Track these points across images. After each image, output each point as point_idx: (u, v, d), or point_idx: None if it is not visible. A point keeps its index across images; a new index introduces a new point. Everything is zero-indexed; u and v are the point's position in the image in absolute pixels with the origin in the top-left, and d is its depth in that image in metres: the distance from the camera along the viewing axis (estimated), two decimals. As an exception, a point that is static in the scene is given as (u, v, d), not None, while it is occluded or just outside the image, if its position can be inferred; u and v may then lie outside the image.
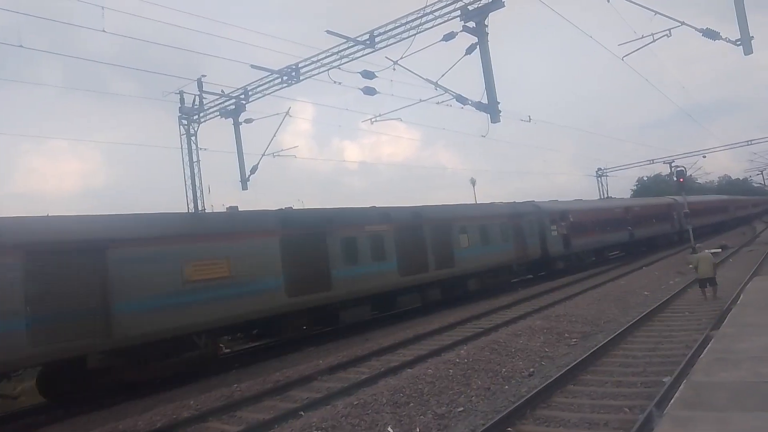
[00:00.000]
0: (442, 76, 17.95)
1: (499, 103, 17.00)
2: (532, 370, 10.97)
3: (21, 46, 15.57)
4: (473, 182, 46.01)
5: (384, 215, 19.35)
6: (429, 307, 21.00)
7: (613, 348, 11.90)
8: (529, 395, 8.69)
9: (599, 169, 53.62)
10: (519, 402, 8.43)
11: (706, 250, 19.14)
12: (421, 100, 20.37)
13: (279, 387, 11.33)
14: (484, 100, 17.07)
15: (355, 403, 8.95)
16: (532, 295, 22.18)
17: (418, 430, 7.90)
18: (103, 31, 15.45)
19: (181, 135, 24.77)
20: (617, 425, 7.45)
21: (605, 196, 51.05)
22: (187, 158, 24.75)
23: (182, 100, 24.20)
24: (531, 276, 29.02)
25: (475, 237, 22.77)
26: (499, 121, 17.10)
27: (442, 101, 19.11)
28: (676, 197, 43.20)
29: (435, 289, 20.77)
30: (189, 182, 24.66)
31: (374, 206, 20.16)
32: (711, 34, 17.83)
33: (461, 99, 18.05)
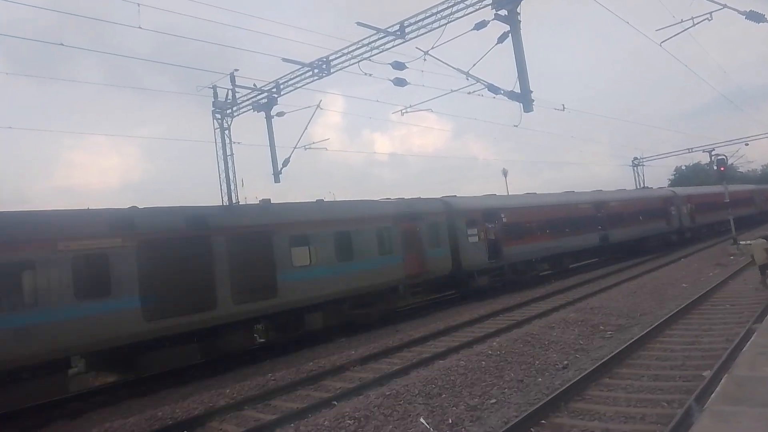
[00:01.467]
0: (474, 65, 17.70)
1: (531, 92, 16.70)
2: (566, 362, 10.83)
3: (62, 44, 16.02)
4: (505, 173, 45.29)
5: (116, 222, 12.06)
6: (458, 300, 20.90)
7: (649, 341, 11.65)
8: (563, 388, 8.59)
9: (635, 158, 52.17)
10: (553, 394, 8.34)
11: (760, 238, 18.44)
12: (452, 91, 20.15)
13: (312, 377, 11.48)
14: (517, 90, 16.78)
15: (388, 393, 9.00)
16: (565, 287, 21.86)
17: (450, 421, 7.90)
18: (140, 27, 15.74)
19: (215, 129, 25.14)
20: (655, 419, 7.30)
21: (641, 186, 49.68)
22: (221, 152, 25.13)
23: (216, 95, 24.53)
24: (435, 297, 22.36)
25: (327, 250, 16.16)
26: (532, 111, 16.80)
27: (474, 91, 18.85)
28: (676, 189, 38.70)
29: (235, 334, 13.97)
30: (223, 175, 25.04)
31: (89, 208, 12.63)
32: (755, 17, 17.14)
33: (493, 89, 17.79)
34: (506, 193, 32.68)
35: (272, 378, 11.66)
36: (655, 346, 11.39)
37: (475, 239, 21.65)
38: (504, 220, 23.12)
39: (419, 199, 21.25)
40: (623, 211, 31.73)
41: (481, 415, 8.16)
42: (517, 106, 17.03)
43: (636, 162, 51.96)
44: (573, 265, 28.48)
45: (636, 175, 51.93)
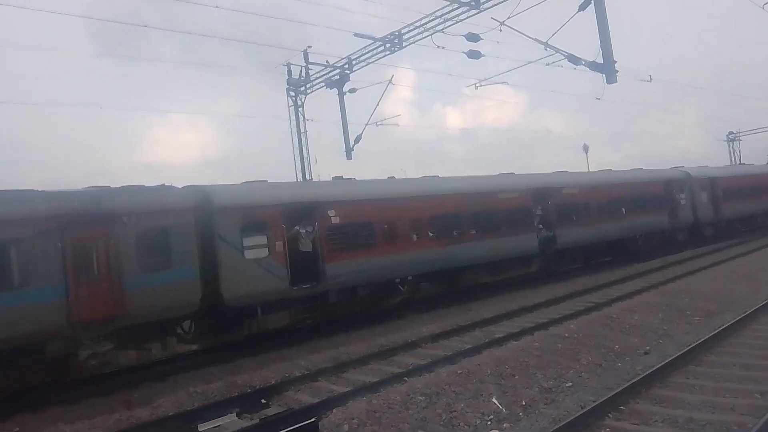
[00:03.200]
0: (553, 35, 16.96)
1: (615, 62, 15.81)
2: (648, 348, 10.32)
3: (146, 26, 16.80)
4: (586, 149, 42.30)
5: None
6: (533, 280, 20.38)
7: (742, 328, 10.88)
8: (645, 374, 8.20)
9: (731, 132, 48.22)
10: (633, 380, 7.98)
11: None
12: (529, 62, 19.49)
13: (384, 351, 11.63)
14: (599, 60, 15.93)
15: (459, 371, 8.95)
16: (647, 269, 20.78)
17: (523, 402, 7.75)
18: (216, 7, 16.19)
19: (289, 106, 25.67)
20: (745, 411, 6.82)
21: (737, 162, 45.91)
22: (294, 129, 25.66)
23: (289, 72, 24.98)
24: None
25: None
26: (616, 82, 15.93)
27: (553, 62, 18.08)
28: (693, 169, 28.27)
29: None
30: (297, 152, 25.60)
31: None
32: None
33: (574, 59, 16.98)
34: (586, 170, 30.76)
35: (345, 351, 11.92)
36: (748, 333, 10.62)
37: (259, 253, 13.26)
38: (333, 220, 14.64)
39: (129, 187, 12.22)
40: (588, 202, 21.82)
41: (556, 398, 7.96)
42: (600, 77, 16.19)
43: (731, 136, 48.16)
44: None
45: (731, 150, 48.17)
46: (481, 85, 21.68)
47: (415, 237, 16.23)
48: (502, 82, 22.08)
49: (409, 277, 16.35)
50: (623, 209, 23.14)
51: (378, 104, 24.70)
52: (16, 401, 10.07)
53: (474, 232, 17.74)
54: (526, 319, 14.02)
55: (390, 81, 24.03)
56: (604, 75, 15.98)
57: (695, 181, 27.49)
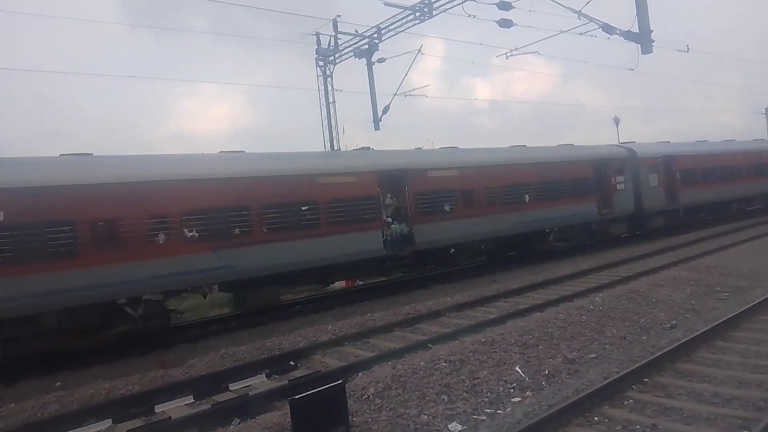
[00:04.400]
0: (587, 3, 16.49)
1: (652, 31, 15.33)
2: (674, 322, 10.27)
3: (177, -5, 16.78)
4: (617, 121, 41.57)
5: None
6: (560, 253, 20.29)
7: (773, 305, 10.70)
8: (671, 347, 8.18)
9: (770, 106, 46.29)
10: (658, 353, 7.99)
11: None
12: (561, 32, 18.97)
13: (409, 320, 11.82)
14: (635, 29, 15.47)
15: (483, 340, 9.07)
16: (676, 244, 20.46)
17: (546, 372, 7.85)
18: (247, -24, 16.11)
19: (318, 76, 25.60)
20: (773, 387, 6.79)
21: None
22: (323, 99, 25.64)
23: (318, 42, 24.84)
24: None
25: None
26: (651, 52, 15.47)
27: (586, 32, 17.63)
28: (639, 146, 24.15)
29: None
30: (325, 123, 25.63)
31: None
32: None
33: (608, 28, 16.51)
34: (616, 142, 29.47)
35: (371, 318, 12.14)
36: (779, 311, 10.45)
37: None
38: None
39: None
40: (471, 188, 17.40)
41: (579, 368, 8.02)
42: (635, 47, 15.75)
43: (771, 110, 46.34)
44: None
45: (770, 124, 46.44)
46: (512, 55, 21.29)
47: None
48: (533, 52, 21.59)
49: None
50: (526, 197, 18.76)
51: (406, 74, 24.47)
52: (59, 359, 10.61)
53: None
54: (550, 291, 14.03)
55: (419, 51, 23.76)
56: (639, 45, 15.54)
57: (642, 161, 22.95)
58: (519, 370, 7.87)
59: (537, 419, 5.89)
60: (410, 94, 25.45)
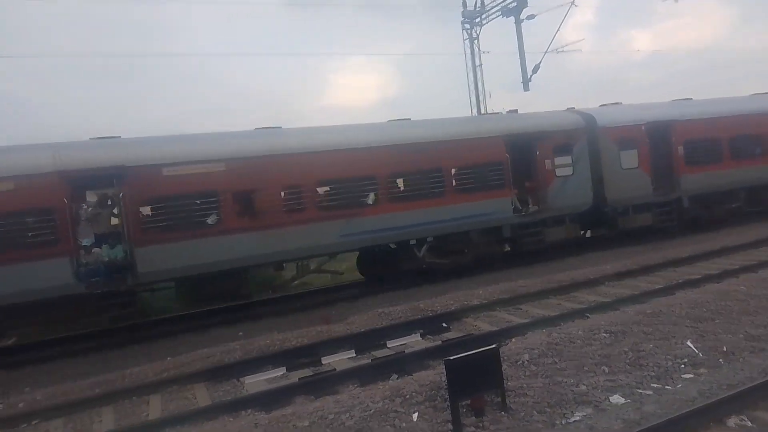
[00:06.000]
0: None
1: None
2: None
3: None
4: None
5: None
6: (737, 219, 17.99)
7: None
8: None
9: None
10: None
11: None
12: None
13: (563, 287, 11.41)
14: None
15: (648, 311, 8.47)
16: None
17: (725, 349, 7.12)
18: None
19: (463, 40, 25.12)
20: None
21: None
22: (469, 63, 25.15)
23: (464, 4, 24.31)
24: None
25: None
26: None
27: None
28: (600, 111, 17.25)
29: None
30: (472, 87, 25.17)
31: None
32: None
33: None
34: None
35: (522, 285, 11.93)
36: None
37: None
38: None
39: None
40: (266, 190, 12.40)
41: (766, 347, 7.16)
42: None
43: None
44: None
45: None
46: (680, -3, 18.80)
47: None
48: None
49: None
50: (371, 195, 13.46)
51: (558, 29, 23.02)
52: (241, 311, 12.02)
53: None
54: (729, 260, 12.61)
55: (572, 2, 22.16)
56: None
57: (605, 133, 16.49)
58: (691, 345, 7.24)
59: (717, 398, 5.40)
60: (562, 51, 23.97)
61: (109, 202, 11.57)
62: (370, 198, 13.35)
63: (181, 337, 11.18)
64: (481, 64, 24.92)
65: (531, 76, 24.35)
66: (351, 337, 9.34)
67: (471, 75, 25.10)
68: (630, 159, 16.64)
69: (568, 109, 17.63)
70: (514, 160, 15.24)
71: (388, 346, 8.90)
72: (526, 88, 24.59)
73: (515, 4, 23.30)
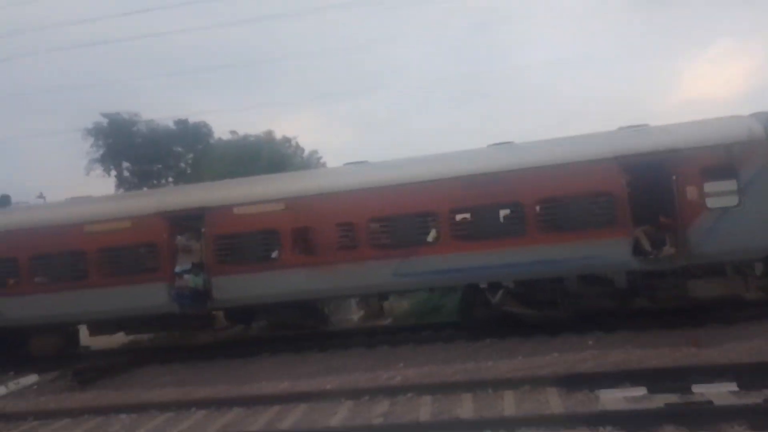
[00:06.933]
0: None
1: None
2: None
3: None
4: None
5: None
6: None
7: None
8: None
9: None
10: None
11: None
12: None
13: None
14: None
15: None
16: None
17: None
18: None
19: None
20: None
21: None
22: None
23: None
24: None
25: None
26: None
27: None
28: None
29: None
30: None
31: None
32: None
33: None
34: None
35: None
36: None
37: None
38: None
39: None
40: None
41: None
42: None
43: None
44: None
45: None
46: None
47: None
48: None
49: None
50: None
51: None
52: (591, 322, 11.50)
53: None
54: None
55: None
56: None
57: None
58: None
59: None
60: None
61: (196, 238, 13.66)
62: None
63: (533, 337, 11.28)
64: None
65: None
66: (731, 366, 7.86)
67: None
68: None
69: (751, 114, 11.76)
70: (642, 188, 11.75)
71: (784, 387, 7.13)
72: None
73: None
